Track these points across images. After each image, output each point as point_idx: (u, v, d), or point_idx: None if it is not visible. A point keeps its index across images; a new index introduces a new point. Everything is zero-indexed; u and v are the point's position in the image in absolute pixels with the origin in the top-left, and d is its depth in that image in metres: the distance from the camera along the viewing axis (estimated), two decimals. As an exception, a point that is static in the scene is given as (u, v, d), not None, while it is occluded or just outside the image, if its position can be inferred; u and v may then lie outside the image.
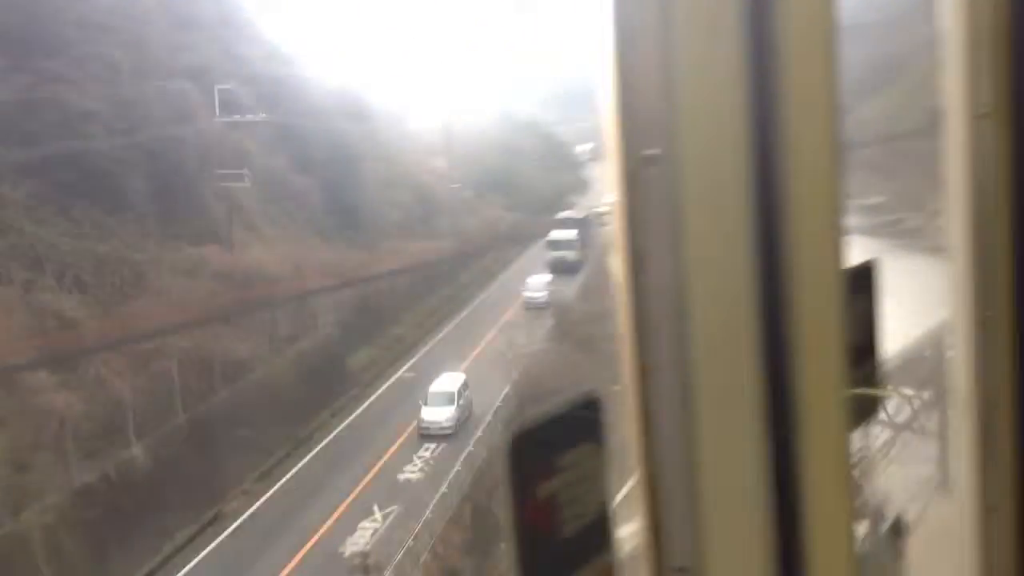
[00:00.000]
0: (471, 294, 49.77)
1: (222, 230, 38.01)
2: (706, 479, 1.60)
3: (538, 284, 46.46)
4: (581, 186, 68.57)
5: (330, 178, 45.79)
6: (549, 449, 1.52)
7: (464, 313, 47.30)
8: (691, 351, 1.58)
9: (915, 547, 2.62)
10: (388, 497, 30.06)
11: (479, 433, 32.91)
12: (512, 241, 53.77)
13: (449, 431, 33.83)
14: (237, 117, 40.74)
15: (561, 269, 48.26)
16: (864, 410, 2.10)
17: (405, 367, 40.87)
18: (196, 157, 38.39)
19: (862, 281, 2.13)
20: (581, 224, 51.14)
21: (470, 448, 32.23)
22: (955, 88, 1.71)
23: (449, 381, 35.85)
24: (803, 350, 1.66)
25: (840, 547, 1.79)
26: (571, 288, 45.22)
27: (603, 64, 1.56)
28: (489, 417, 34.03)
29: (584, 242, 49.86)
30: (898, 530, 2.50)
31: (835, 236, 1.72)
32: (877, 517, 2.50)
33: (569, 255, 49.56)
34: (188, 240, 36.45)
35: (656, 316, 1.58)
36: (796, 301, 1.64)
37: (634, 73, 1.54)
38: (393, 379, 39.87)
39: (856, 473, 1.91)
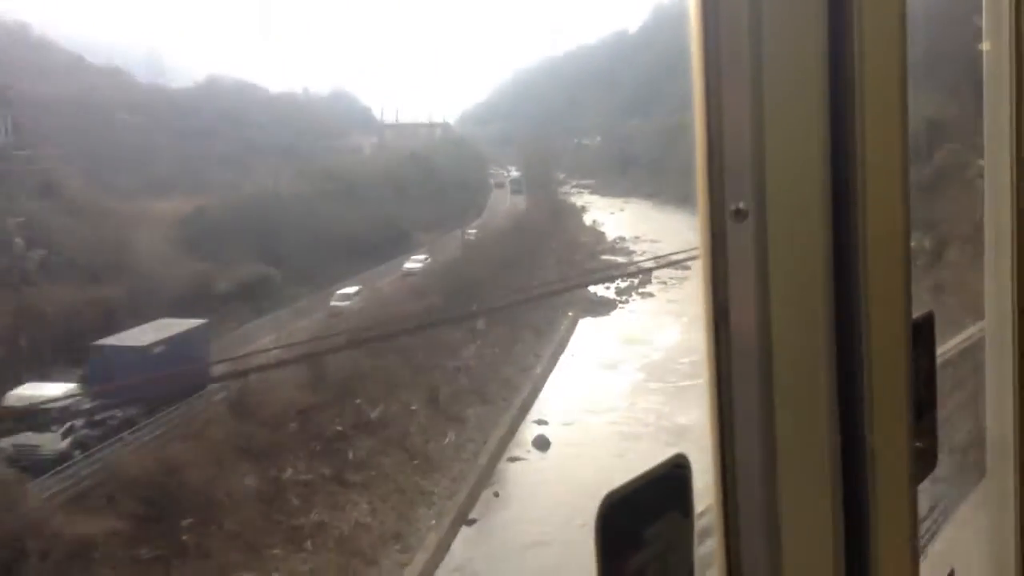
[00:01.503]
0: None
1: None
2: (786, 539, 1.65)
3: None
4: (455, 218, 50.05)
5: None
6: (639, 518, 1.53)
7: None
8: (773, 409, 1.62)
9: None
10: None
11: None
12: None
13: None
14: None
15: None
16: (925, 463, 2.08)
17: None
18: None
19: (924, 332, 2.09)
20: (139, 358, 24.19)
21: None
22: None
23: None
24: (873, 404, 1.71)
25: None
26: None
27: (695, 114, 1.61)
28: None
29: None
30: None
31: (904, 289, 1.79)
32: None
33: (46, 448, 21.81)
34: None
35: (738, 373, 1.63)
36: (868, 355, 1.70)
37: (724, 128, 1.59)
38: None
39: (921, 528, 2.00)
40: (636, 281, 53.28)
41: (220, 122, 43.77)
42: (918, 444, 1.94)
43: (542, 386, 35.11)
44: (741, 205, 1.61)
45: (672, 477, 1.58)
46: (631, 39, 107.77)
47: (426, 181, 53.10)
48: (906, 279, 1.81)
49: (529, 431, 30.97)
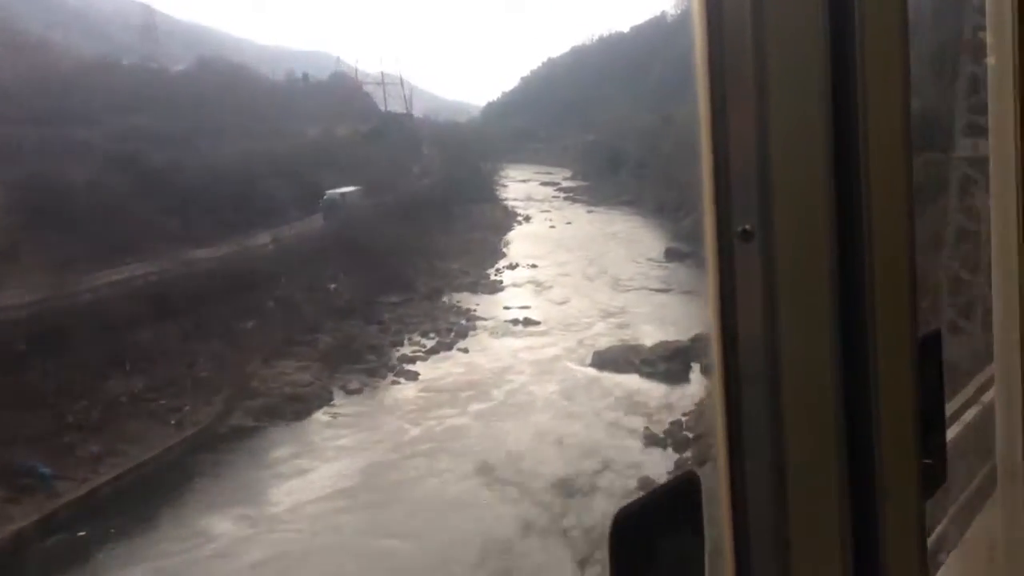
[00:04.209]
0: None
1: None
2: (796, 556, 1.62)
3: None
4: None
5: None
6: (650, 534, 1.49)
7: None
8: (782, 427, 1.59)
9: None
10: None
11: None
12: None
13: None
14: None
15: None
16: (934, 480, 2.03)
17: None
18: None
19: (931, 349, 2.04)
20: None
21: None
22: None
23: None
24: (881, 421, 1.68)
25: None
26: None
27: (701, 136, 1.57)
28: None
29: None
30: None
31: (910, 307, 1.76)
32: None
33: None
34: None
35: (747, 392, 1.59)
36: (876, 373, 1.67)
37: (730, 150, 1.56)
38: None
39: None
40: (438, 341, 35.74)
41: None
42: (926, 460, 1.88)
43: None
44: (748, 226, 1.57)
45: (683, 493, 1.54)
46: (668, 26, 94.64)
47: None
48: (912, 297, 1.77)
49: None
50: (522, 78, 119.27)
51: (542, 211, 69.85)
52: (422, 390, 29.62)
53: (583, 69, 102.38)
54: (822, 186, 1.58)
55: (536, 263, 50.67)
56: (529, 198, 77.14)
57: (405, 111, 78.46)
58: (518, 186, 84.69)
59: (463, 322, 37.41)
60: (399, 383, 30.35)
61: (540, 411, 27.71)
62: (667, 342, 33.00)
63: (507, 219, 64.71)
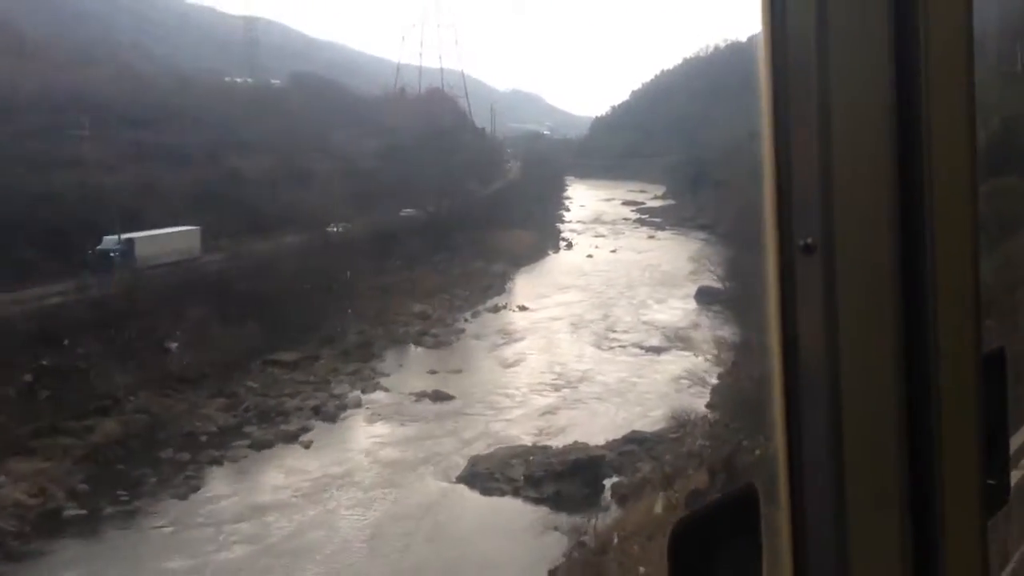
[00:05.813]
0: None
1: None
2: (856, 574, 1.59)
3: None
4: None
5: None
6: (709, 544, 1.46)
7: None
8: (843, 444, 1.56)
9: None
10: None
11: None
12: None
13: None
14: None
15: None
16: (997, 500, 1.93)
17: None
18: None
19: (995, 366, 1.95)
20: None
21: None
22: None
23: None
24: (944, 439, 1.62)
25: None
26: None
27: (764, 151, 1.56)
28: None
29: None
30: None
31: (974, 323, 1.70)
32: None
33: None
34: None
35: (807, 406, 1.57)
36: (938, 389, 1.61)
37: (792, 163, 1.54)
38: None
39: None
40: (279, 430, 25.98)
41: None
42: (989, 481, 1.84)
43: None
44: (810, 240, 1.57)
45: (741, 505, 1.53)
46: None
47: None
48: (976, 313, 1.73)
49: None
50: (632, 92, 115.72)
51: (596, 236, 60.74)
52: (170, 522, 19.39)
53: (695, 82, 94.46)
54: (885, 200, 1.57)
55: (530, 304, 40.68)
56: (597, 220, 68.19)
57: (475, 126, 74.98)
58: (597, 205, 75.97)
59: (354, 394, 27.24)
60: (151, 511, 20.18)
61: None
62: (581, 445, 21.79)
63: (540, 246, 55.02)
